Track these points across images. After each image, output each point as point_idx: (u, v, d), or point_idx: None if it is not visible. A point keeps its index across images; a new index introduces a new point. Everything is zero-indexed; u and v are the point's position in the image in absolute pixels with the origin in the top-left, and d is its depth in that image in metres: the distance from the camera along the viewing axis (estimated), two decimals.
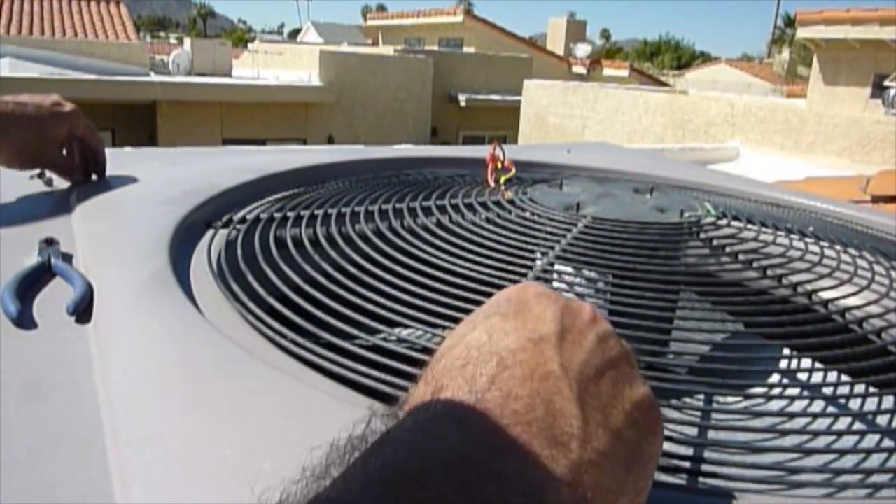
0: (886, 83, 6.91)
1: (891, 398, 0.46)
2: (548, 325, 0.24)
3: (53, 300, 0.49)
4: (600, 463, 0.21)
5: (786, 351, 0.53)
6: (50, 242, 0.56)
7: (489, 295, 0.49)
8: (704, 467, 0.35)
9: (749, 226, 0.71)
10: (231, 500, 0.27)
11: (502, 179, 0.82)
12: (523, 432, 0.20)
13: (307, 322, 0.45)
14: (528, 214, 0.67)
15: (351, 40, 18.34)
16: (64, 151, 0.76)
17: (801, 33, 8.50)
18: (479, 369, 0.22)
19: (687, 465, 0.35)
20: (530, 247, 0.58)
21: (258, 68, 11.23)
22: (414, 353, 0.42)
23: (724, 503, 0.31)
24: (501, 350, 0.23)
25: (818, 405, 0.49)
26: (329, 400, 0.35)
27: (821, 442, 0.40)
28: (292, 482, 0.20)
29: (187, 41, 11.01)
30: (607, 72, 14.51)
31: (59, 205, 0.70)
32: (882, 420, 0.46)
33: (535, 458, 0.19)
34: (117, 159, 0.86)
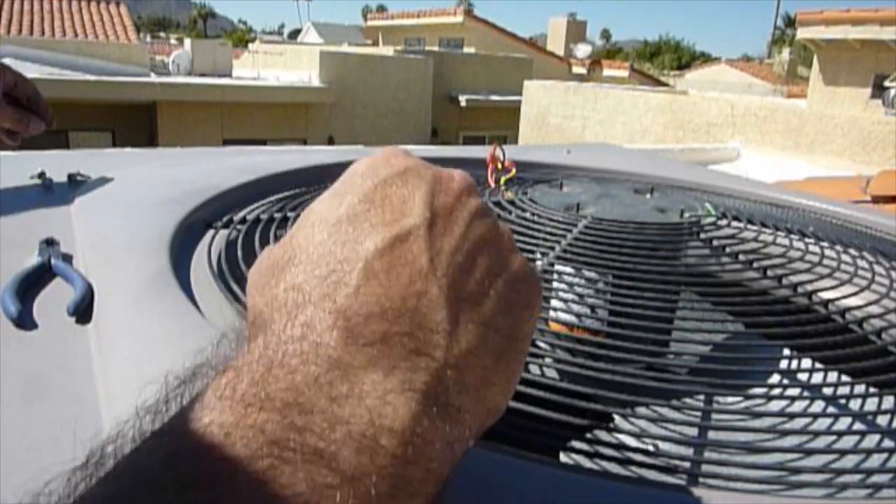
0: (886, 83, 6.91)
1: (891, 398, 0.46)
2: (415, 212, 0.21)
3: (53, 300, 0.49)
4: (467, 361, 0.20)
5: (786, 351, 0.53)
6: (50, 242, 0.56)
7: None
8: (704, 468, 0.35)
9: (749, 226, 0.71)
10: None
11: (502, 180, 0.82)
12: (380, 354, 0.18)
13: None
14: (528, 215, 0.67)
15: (351, 41, 18.36)
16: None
17: (801, 33, 8.50)
18: (340, 282, 0.20)
19: (687, 465, 0.35)
20: (530, 247, 0.58)
21: (258, 69, 11.25)
22: None
23: (725, 503, 0.31)
24: (365, 254, 0.20)
25: (818, 405, 0.48)
26: None
27: (821, 442, 0.40)
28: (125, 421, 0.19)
29: (187, 42, 11.03)
30: (607, 72, 14.52)
31: (59, 205, 0.70)
32: (882, 420, 0.46)
33: (380, 383, 0.18)
34: (117, 159, 0.86)
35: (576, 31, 17.39)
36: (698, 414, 0.40)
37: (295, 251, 0.21)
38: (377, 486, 0.17)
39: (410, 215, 0.21)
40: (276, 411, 0.17)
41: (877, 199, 2.26)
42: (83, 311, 0.47)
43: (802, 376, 0.51)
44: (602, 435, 0.39)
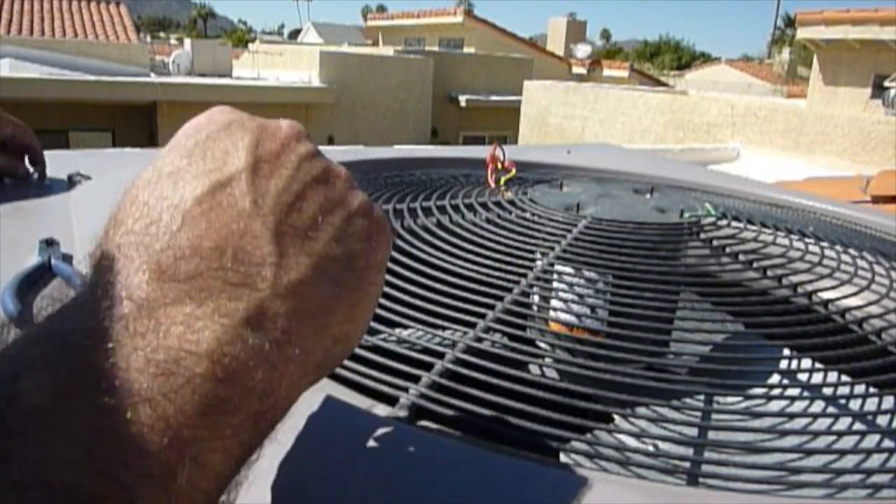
0: (886, 83, 6.91)
1: (891, 398, 0.46)
2: (237, 159, 0.22)
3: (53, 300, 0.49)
4: (300, 290, 0.21)
5: (786, 351, 0.53)
6: (50, 243, 0.56)
7: (489, 295, 0.49)
8: (704, 468, 0.35)
9: (749, 226, 0.71)
10: (228, 499, 0.27)
11: (502, 180, 0.82)
12: (193, 288, 0.19)
13: None
14: (528, 215, 0.67)
15: (351, 41, 18.36)
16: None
17: (801, 34, 8.50)
18: (158, 231, 0.20)
19: (687, 465, 0.35)
20: (530, 247, 0.58)
21: (258, 69, 11.25)
22: (414, 354, 0.42)
23: (725, 503, 0.31)
24: (183, 203, 0.20)
25: (818, 405, 0.48)
26: (329, 400, 0.35)
27: (821, 442, 0.40)
28: None
29: (187, 42, 11.03)
30: (607, 72, 14.52)
31: (59, 205, 0.70)
32: (882, 420, 0.46)
33: (190, 314, 0.19)
34: (117, 159, 0.86)
35: (576, 31, 17.39)
36: (698, 414, 0.40)
37: (122, 215, 0.21)
38: (181, 403, 0.17)
39: (232, 163, 0.22)
40: (72, 350, 0.17)
41: (877, 199, 2.26)
42: None
43: (802, 376, 0.51)
44: (602, 435, 0.39)
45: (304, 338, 0.21)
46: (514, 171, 0.83)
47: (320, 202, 0.23)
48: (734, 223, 0.69)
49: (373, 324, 0.45)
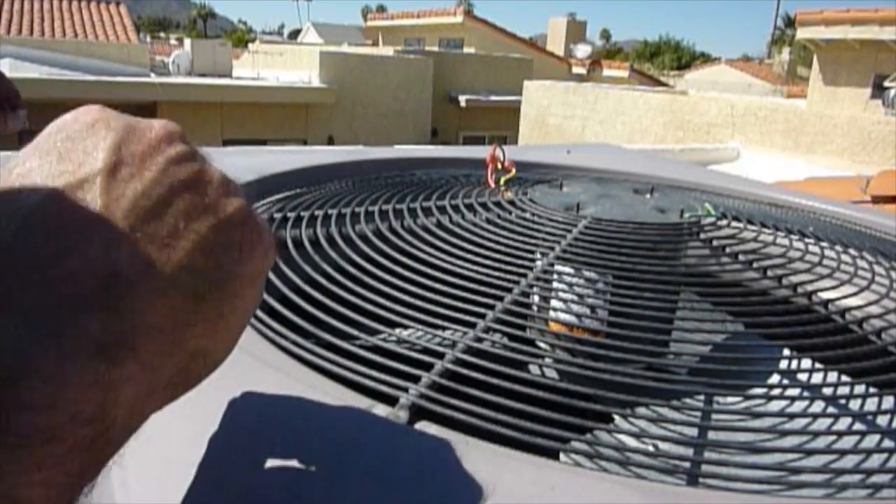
0: (886, 83, 6.91)
1: (891, 398, 0.46)
2: (95, 160, 0.20)
3: None
4: (150, 303, 0.19)
5: (786, 351, 0.53)
6: None
7: (489, 295, 0.49)
8: (705, 468, 0.35)
9: (749, 226, 0.71)
10: None
11: (502, 180, 0.82)
12: (20, 300, 0.17)
13: (307, 322, 0.45)
14: (528, 215, 0.67)
15: (351, 41, 18.36)
16: None
17: (801, 34, 8.50)
18: None
19: (687, 465, 0.35)
20: (530, 247, 0.58)
21: (258, 69, 11.24)
22: (414, 354, 0.42)
23: (725, 503, 0.31)
24: (23, 211, 0.19)
25: (818, 406, 0.49)
26: (329, 401, 0.35)
27: (821, 442, 0.40)
28: None
29: (187, 42, 11.03)
30: (607, 72, 14.51)
31: None
32: (882, 420, 0.46)
33: (10, 328, 0.17)
34: None
35: (576, 31, 17.38)
36: (698, 414, 0.40)
37: None
38: None
39: (89, 164, 0.20)
40: None
41: (877, 199, 2.26)
42: None
43: (802, 376, 0.51)
44: (602, 435, 0.39)
45: (148, 354, 0.19)
46: (514, 171, 0.83)
47: (185, 208, 0.21)
48: (734, 223, 0.69)
49: (373, 324, 0.45)
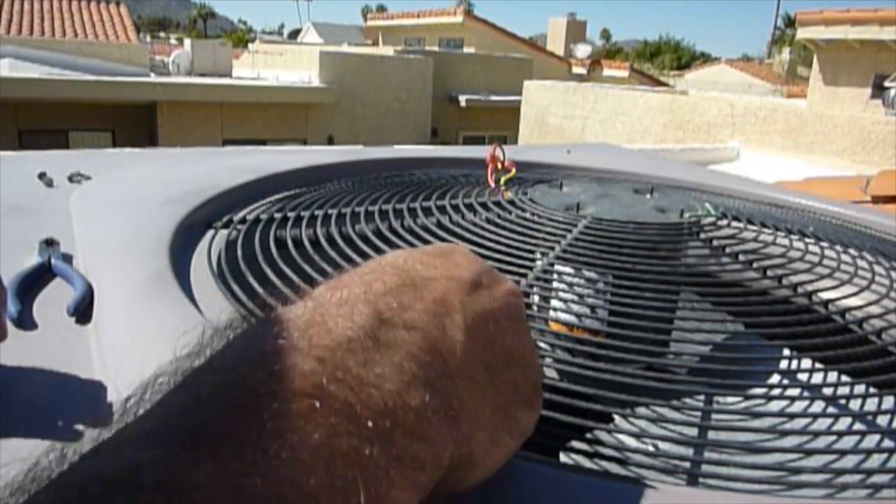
0: (886, 83, 6.90)
1: (891, 398, 0.46)
2: (465, 273, 0.26)
3: (53, 300, 0.49)
4: (470, 388, 0.23)
5: (786, 351, 0.53)
6: (50, 243, 0.56)
7: None
8: (704, 468, 0.35)
9: (749, 226, 0.71)
10: None
11: (502, 180, 0.82)
12: (404, 338, 0.21)
13: None
14: (528, 215, 0.67)
15: (351, 41, 18.36)
16: None
17: (801, 34, 8.49)
18: (383, 278, 0.24)
19: (687, 465, 0.35)
20: (530, 247, 0.58)
21: (258, 69, 11.25)
22: None
23: (725, 503, 0.31)
24: (412, 272, 0.24)
25: (818, 406, 0.49)
26: None
27: (821, 442, 0.40)
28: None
29: (187, 42, 11.03)
30: (607, 72, 14.51)
31: (59, 205, 0.70)
32: (882, 420, 0.46)
33: (409, 360, 0.21)
34: (117, 160, 0.86)
35: (576, 31, 17.38)
36: (698, 414, 0.40)
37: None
38: (389, 452, 0.18)
39: (462, 273, 0.26)
40: (316, 361, 0.19)
41: (877, 199, 2.26)
42: (83, 311, 0.47)
43: (802, 376, 0.51)
44: (602, 435, 0.39)
45: (466, 426, 0.22)
46: (514, 171, 0.83)
47: (510, 344, 0.26)
48: (734, 223, 0.70)
49: None
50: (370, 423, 0.18)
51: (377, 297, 0.22)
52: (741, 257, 0.63)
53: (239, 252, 0.57)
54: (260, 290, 0.49)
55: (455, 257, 0.27)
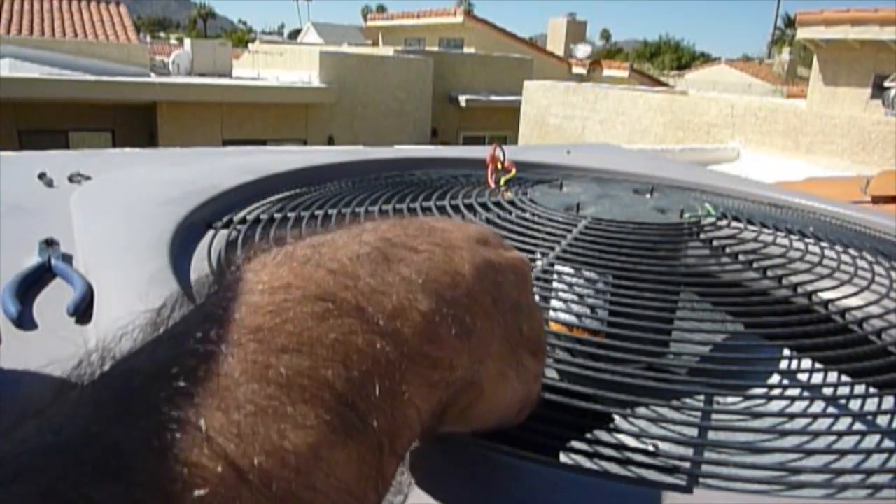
0: (886, 83, 6.90)
1: (891, 398, 0.46)
2: (473, 230, 0.28)
3: (53, 300, 0.49)
4: (479, 312, 0.24)
5: (786, 351, 0.53)
6: (50, 243, 0.56)
7: None
8: (704, 468, 0.35)
9: (749, 226, 0.71)
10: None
11: (502, 180, 0.82)
12: (413, 258, 0.23)
13: None
14: (528, 215, 0.67)
15: (351, 41, 18.37)
16: None
17: (801, 34, 8.50)
18: (389, 222, 0.25)
19: (687, 465, 0.35)
20: (530, 247, 0.58)
21: (258, 69, 11.25)
22: None
23: (725, 503, 0.31)
24: (420, 220, 0.26)
25: (818, 406, 0.48)
26: None
27: (821, 442, 0.40)
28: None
29: (187, 42, 11.03)
30: (607, 72, 14.52)
31: (59, 205, 0.70)
32: (882, 420, 0.46)
33: (418, 275, 0.22)
34: (117, 160, 0.86)
35: (576, 31, 17.38)
36: (698, 414, 0.40)
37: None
38: (401, 349, 0.20)
39: (468, 228, 0.28)
40: (327, 271, 0.20)
41: (877, 199, 2.26)
42: (83, 311, 0.47)
43: (802, 376, 0.51)
44: (602, 435, 0.39)
45: (475, 348, 0.23)
46: (514, 171, 0.83)
47: (511, 288, 0.27)
48: (734, 223, 0.69)
49: None
50: (381, 323, 0.19)
51: (385, 229, 0.24)
52: (741, 257, 0.63)
53: (239, 252, 0.57)
54: None
55: (465, 224, 0.29)
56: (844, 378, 0.46)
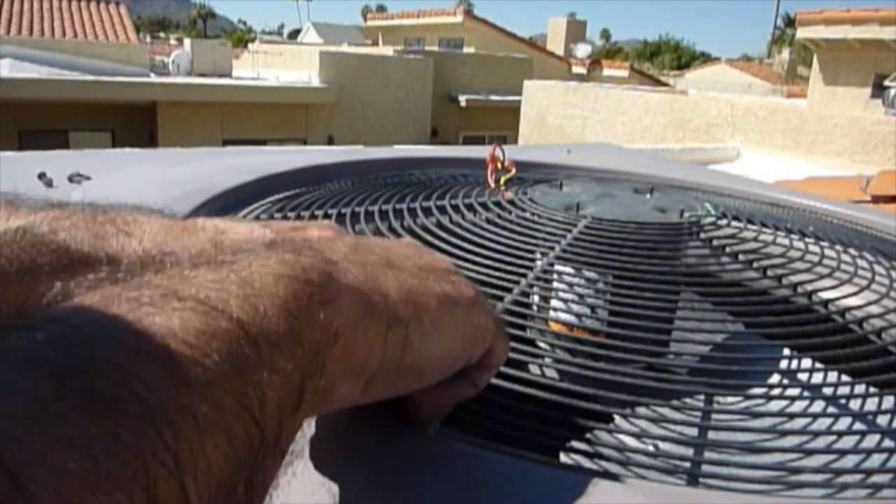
0: (886, 83, 6.91)
1: (891, 398, 0.46)
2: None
3: None
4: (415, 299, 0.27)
5: (786, 351, 0.53)
6: None
7: (489, 295, 0.49)
8: (704, 468, 0.35)
9: (749, 226, 0.71)
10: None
11: (502, 180, 0.82)
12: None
13: None
14: (528, 215, 0.67)
15: (351, 41, 18.37)
16: None
17: (801, 33, 8.50)
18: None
19: (687, 465, 0.35)
20: (530, 247, 0.58)
21: (258, 69, 11.25)
22: None
23: (725, 503, 0.31)
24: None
25: (818, 405, 0.48)
26: None
27: (821, 442, 0.40)
28: None
29: (187, 42, 11.03)
30: (607, 72, 14.52)
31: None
32: (882, 420, 0.46)
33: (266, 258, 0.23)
34: (117, 159, 0.86)
35: (576, 31, 17.38)
36: (698, 414, 0.40)
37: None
38: (260, 312, 0.20)
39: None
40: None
41: (877, 199, 2.27)
42: None
43: (802, 376, 0.51)
44: (602, 435, 0.39)
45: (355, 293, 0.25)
46: (514, 170, 0.83)
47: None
48: (734, 223, 0.69)
49: None
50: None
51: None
52: (741, 257, 0.63)
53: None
54: None
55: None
56: (844, 378, 0.46)
